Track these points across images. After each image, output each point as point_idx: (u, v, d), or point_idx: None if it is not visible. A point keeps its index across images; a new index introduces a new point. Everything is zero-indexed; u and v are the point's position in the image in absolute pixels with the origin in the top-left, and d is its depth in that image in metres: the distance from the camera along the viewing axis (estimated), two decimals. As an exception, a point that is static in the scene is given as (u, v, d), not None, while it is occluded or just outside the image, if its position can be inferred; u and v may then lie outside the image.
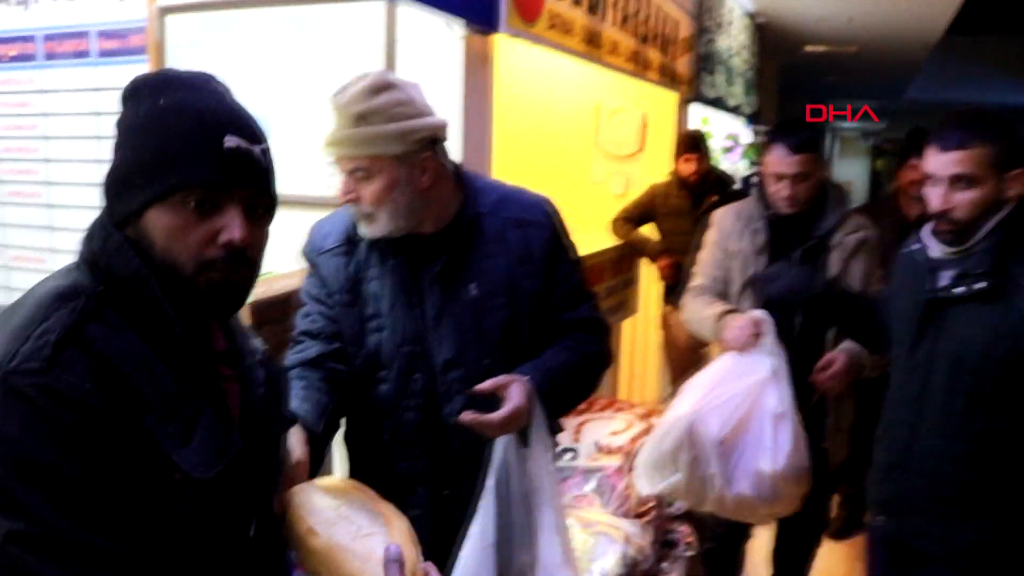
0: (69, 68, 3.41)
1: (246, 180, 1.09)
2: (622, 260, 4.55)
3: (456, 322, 1.66)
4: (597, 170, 5.58)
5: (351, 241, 1.73)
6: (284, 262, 2.30)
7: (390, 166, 1.60)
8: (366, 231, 1.65)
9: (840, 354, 2.50)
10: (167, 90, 1.13)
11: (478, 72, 2.72)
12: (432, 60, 2.71)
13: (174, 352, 1.04)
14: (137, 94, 1.13)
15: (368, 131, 1.57)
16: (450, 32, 2.65)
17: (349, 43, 2.82)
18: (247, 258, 1.08)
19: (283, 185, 2.98)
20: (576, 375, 1.73)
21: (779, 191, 2.63)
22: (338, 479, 1.46)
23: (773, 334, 2.47)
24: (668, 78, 4.86)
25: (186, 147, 1.06)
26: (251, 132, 1.13)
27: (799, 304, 2.55)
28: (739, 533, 3.01)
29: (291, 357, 1.70)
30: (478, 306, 1.67)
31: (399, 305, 1.67)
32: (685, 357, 4.74)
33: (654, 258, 4.60)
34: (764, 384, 2.43)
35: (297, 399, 1.58)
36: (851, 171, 23.88)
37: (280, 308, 1.86)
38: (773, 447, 2.39)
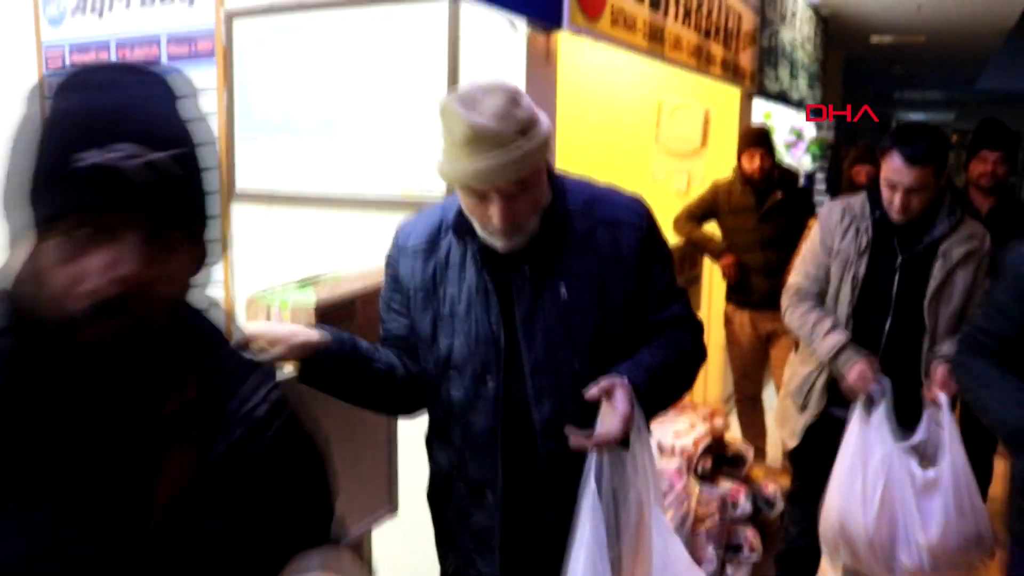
0: (139, 73, 3.48)
1: (120, 203, 0.85)
2: (684, 259, 4.49)
3: (546, 324, 1.63)
4: (659, 167, 5.53)
5: (432, 242, 1.72)
6: (350, 263, 2.33)
7: (540, 174, 1.59)
8: (507, 245, 1.59)
9: (941, 365, 2.51)
10: (57, 95, 0.91)
11: (541, 70, 2.71)
12: (495, 59, 2.70)
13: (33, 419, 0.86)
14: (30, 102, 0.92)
15: (532, 145, 1.50)
16: (513, 30, 2.63)
17: (413, 43, 2.83)
18: (128, 304, 0.86)
19: (347, 186, 3.03)
20: (673, 373, 1.70)
21: (891, 199, 2.59)
22: None
23: (890, 394, 2.51)
24: (731, 73, 4.78)
25: (35, 173, 0.85)
26: (134, 140, 0.86)
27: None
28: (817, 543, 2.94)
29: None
30: (568, 307, 1.64)
31: (477, 308, 1.65)
32: (748, 357, 4.67)
33: (717, 256, 4.53)
34: (892, 458, 2.45)
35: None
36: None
37: (347, 311, 1.86)
38: (922, 518, 2.38)
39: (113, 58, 3.54)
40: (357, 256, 2.96)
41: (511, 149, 1.47)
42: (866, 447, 2.45)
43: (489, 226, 1.57)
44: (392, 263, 1.78)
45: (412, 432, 2.28)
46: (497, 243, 1.60)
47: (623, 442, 1.57)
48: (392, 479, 2.17)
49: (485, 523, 1.74)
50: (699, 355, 1.78)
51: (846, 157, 6.03)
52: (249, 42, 3.16)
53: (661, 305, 1.73)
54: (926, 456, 2.45)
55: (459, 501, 1.78)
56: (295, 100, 3.10)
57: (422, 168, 2.89)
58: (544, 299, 1.64)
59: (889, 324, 2.65)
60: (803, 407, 2.82)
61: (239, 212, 3.30)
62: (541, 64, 2.72)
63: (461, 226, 1.66)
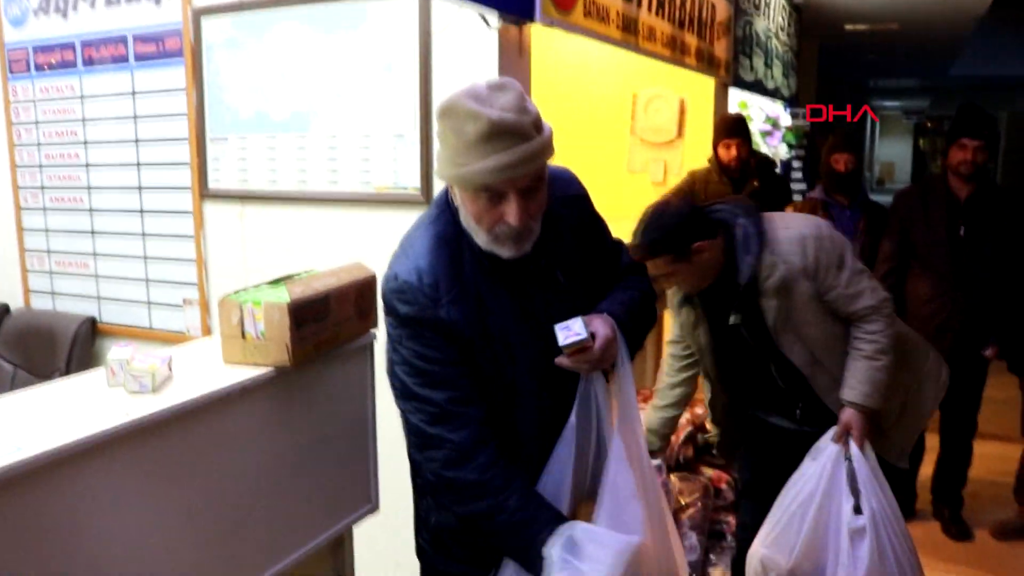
0: (107, 74, 3.44)
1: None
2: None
3: (558, 314, 1.60)
4: (634, 158, 5.52)
5: (460, 279, 1.59)
6: (324, 261, 2.30)
7: (545, 172, 1.57)
8: (516, 251, 1.55)
9: (845, 410, 2.50)
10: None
11: (514, 63, 2.69)
12: (467, 53, 2.68)
13: None
14: None
15: (547, 137, 1.50)
16: (485, 24, 2.61)
17: (384, 38, 2.81)
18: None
19: (320, 184, 3.01)
20: (641, 308, 1.78)
21: None
22: None
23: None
24: (706, 63, 4.77)
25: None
26: None
27: None
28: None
29: (455, 434, 1.58)
30: (569, 293, 1.66)
31: (525, 329, 1.63)
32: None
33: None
34: (834, 488, 2.44)
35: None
36: (893, 151, 23.48)
37: (321, 308, 1.84)
38: (851, 564, 2.36)
39: (78, 58, 3.49)
40: (331, 253, 2.95)
41: (531, 143, 1.46)
42: (817, 468, 2.47)
43: (499, 229, 1.52)
44: (431, 320, 1.57)
45: (391, 430, 2.27)
46: (504, 250, 1.55)
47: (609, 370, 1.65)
48: (373, 476, 2.16)
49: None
50: (654, 293, 1.87)
51: (823, 145, 6.05)
52: (218, 40, 3.12)
53: (615, 256, 1.85)
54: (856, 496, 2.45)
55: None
56: (266, 98, 3.07)
57: (395, 164, 2.86)
58: (551, 291, 1.65)
59: (774, 368, 2.60)
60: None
61: (212, 211, 3.27)
62: (514, 57, 2.71)
63: (478, 249, 1.60)
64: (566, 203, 1.70)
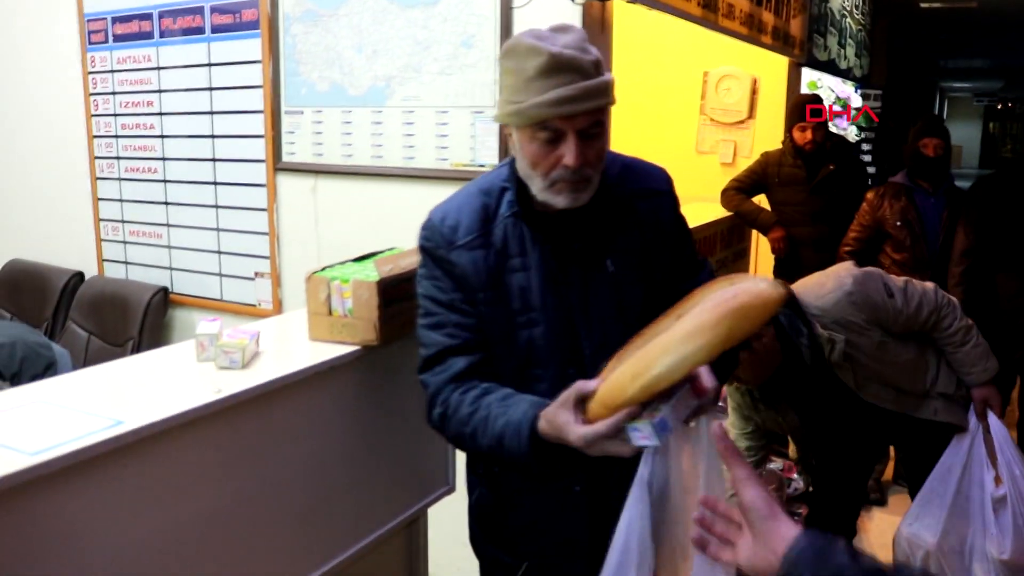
0: (184, 44, 3.45)
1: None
2: (732, 232, 4.40)
3: (599, 302, 1.57)
4: (703, 138, 5.43)
5: (486, 231, 1.56)
6: (399, 237, 2.28)
7: (609, 120, 1.51)
8: (572, 200, 1.49)
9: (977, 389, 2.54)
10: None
11: (597, 38, 2.63)
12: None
13: None
14: None
15: (608, 79, 1.45)
16: (569, -1, 2.56)
17: (463, 13, 2.76)
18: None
19: (397, 159, 2.98)
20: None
21: None
22: None
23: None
24: (781, 42, 4.66)
25: None
26: None
27: None
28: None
29: (434, 377, 1.55)
30: (616, 283, 1.58)
31: (550, 295, 1.56)
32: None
33: (766, 230, 4.43)
34: (974, 462, 2.48)
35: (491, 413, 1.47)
36: (961, 134, 22.86)
37: (408, 286, 1.81)
38: (998, 532, 2.39)
39: (156, 28, 3.51)
40: (405, 230, 2.92)
41: (591, 80, 1.42)
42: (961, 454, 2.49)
43: (556, 174, 1.47)
44: (443, 260, 1.57)
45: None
46: (561, 198, 1.49)
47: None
48: (450, 457, 2.14)
49: (571, 523, 1.64)
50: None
51: (911, 129, 5.90)
52: (296, 11, 3.10)
53: (691, 273, 1.70)
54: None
55: (540, 505, 1.66)
56: (342, 71, 3.05)
57: (473, 141, 2.83)
58: (595, 277, 1.57)
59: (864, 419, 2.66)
60: None
61: (285, 184, 3.27)
62: (597, 33, 2.65)
63: (520, 205, 1.57)
64: (644, 195, 1.63)
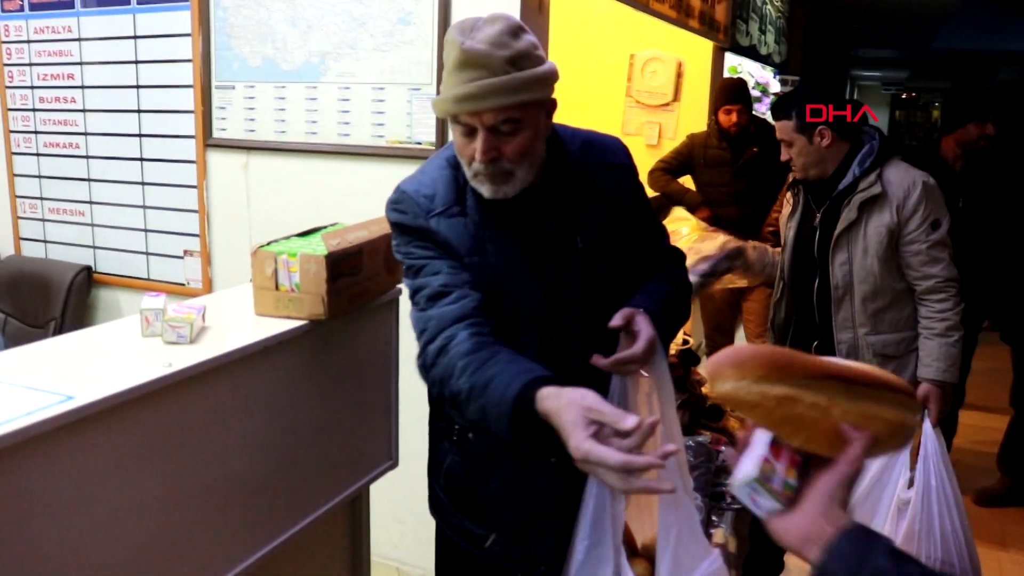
0: (107, 16, 3.34)
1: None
2: (658, 212, 4.48)
3: (572, 277, 1.60)
4: (629, 120, 5.50)
5: (461, 200, 1.58)
6: (330, 213, 2.26)
7: (536, 114, 1.50)
8: (493, 192, 1.52)
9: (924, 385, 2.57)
10: None
11: (534, 20, 2.65)
12: (488, 8, 2.63)
13: None
14: None
15: (523, 76, 1.43)
16: (507, -23, 2.57)
17: (401, -11, 2.75)
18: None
19: (332, 135, 2.95)
20: (677, 302, 1.71)
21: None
22: None
23: None
24: (707, 26, 4.75)
25: None
26: None
27: None
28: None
29: (439, 309, 1.51)
30: (586, 259, 1.61)
31: (526, 266, 1.58)
32: (721, 311, 4.71)
33: (692, 210, 4.52)
34: (892, 462, 2.47)
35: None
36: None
37: (355, 260, 1.82)
38: (893, 533, 2.39)
39: (76, 1, 3.39)
40: (340, 206, 2.91)
41: (497, 78, 1.42)
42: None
43: (474, 166, 1.50)
44: (423, 228, 1.56)
45: (412, 387, 2.25)
46: (483, 188, 1.52)
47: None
48: (394, 432, 2.15)
49: (544, 497, 1.67)
50: (690, 286, 1.82)
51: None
52: (227, -16, 3.04)
53: (655, 240, 1.77)
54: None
55: (512, 476, 1.68)
56: (276, 46, 3.00)
57: (410, 119, 2.82)
58: (566, 254, 1.60)
59: (817, 283, 2.70)
60: None
61: (216, 161, 3.21)
62: (535, 15, 2.67)
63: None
64: (604, 169, 1.66)
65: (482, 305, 1.52)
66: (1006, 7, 10.75)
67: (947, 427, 4.11)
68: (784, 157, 2.68)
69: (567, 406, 1.25)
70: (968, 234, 3.80)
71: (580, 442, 1.20)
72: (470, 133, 1.48)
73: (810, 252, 2.70)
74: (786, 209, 2.90)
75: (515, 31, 1.45)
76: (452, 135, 1.55)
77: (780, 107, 2.67)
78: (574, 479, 1.54)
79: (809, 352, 2.74)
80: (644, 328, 1.53)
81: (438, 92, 2.68)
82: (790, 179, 3.98)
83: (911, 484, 2.43)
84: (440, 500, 1.82)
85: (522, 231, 1.58)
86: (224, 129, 3.16)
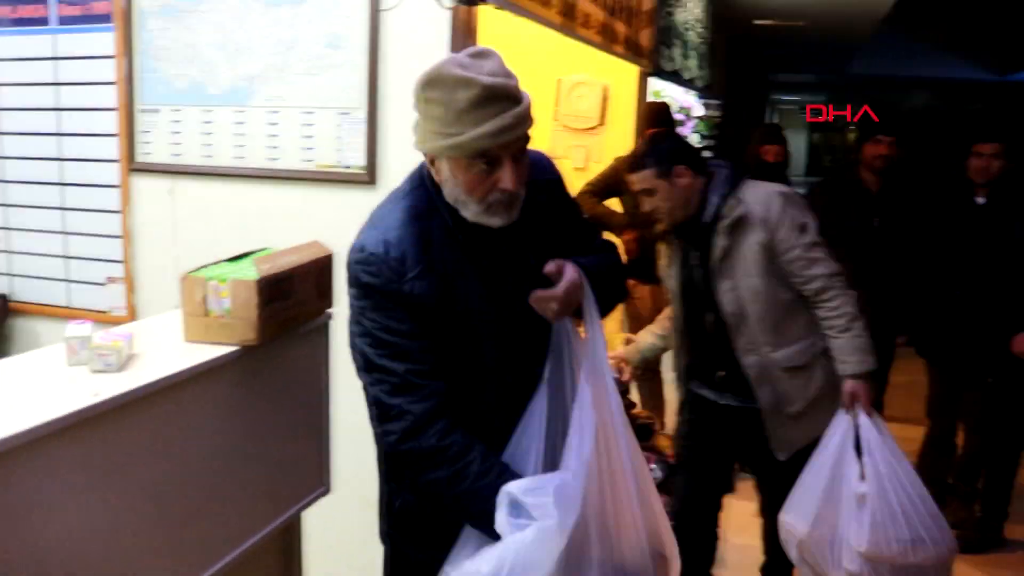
0: (24, 36, 3.26)
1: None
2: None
3: (527, 292, 1.61)
4: (557, 144, 5.56)
5: (429, 254, 1.58)
6: (259, 238, 2.24)
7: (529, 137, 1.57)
8: (505, 220, 1.55)
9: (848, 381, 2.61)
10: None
11: (464, 44, 2.67)
12: (418, 32, 2.66)
13: None
14: None
15: (528, 103, 1.50)
16: (437, 3, 2.59)
17: (330, 14, 2.75)
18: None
19: (260, 160, 2.92)
20: (608, 273, 1.76)
21: None
22: None
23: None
24: (632, 51, 4.85)
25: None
26: None
27: None
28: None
29: (416, 405, 1.55)
30: (537, 274, 1.63)
31: (490, 307, 1.62)
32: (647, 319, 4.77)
33: (619, 232, 4.59)
34: (844, 456, 2.55)
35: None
36: (791, 145, 24.22)
37: (286, 286, 1.81)
38: (858, 526, 2.48)
39: (-7, 20, 3.31)
40: (269, 232, 2.87)
41: (521, 105, 1.48)
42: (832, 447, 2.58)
43: (492, 197, 1.52)
44: (396, 292, 1.55)
45: (343, 412, 2.24)
46: (496, 218, 1.55)
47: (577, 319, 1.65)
48: (326, 458, 2.13)
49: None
50: (625, 270, 1.89)
51: (751, 135, 6.18)
52: (153, 5, 3.00)
53: (588, 238, 1.84)
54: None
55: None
56: (202, 69, 2.97)
57: (339, 143, 2.82)
58: (522, 272, 1.63)
59: (710, 317, 2.72)
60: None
61: (140, 185, 3.15)
62: (462, 38, 2.68)
63: (455, 222, 1.60)
64: (543, 188, 1.71)
65: (448, 390, 1.58)
66: (915, 37, 11.21)
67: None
68: (647, 208, 2.70)
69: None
70: (882, 252, 3.96)
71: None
72: (492, 164, 1.50)
73: (696, 292, 2.74)
74: (663, 261, 2.93)
75: (503, 60, 1.51)
76: (451, 176, 1.54)
77: (636, 163, 2.70)
78: None
79: (713, 382, 2.76)
80: (569, 273, 1.58)
81: (371, 116, 2.72)
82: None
83: (863, 476, 2.51)
84: (392, 534, 1.85)
85: (485, 261, 1.62)
86: (148, 153, 3.10)
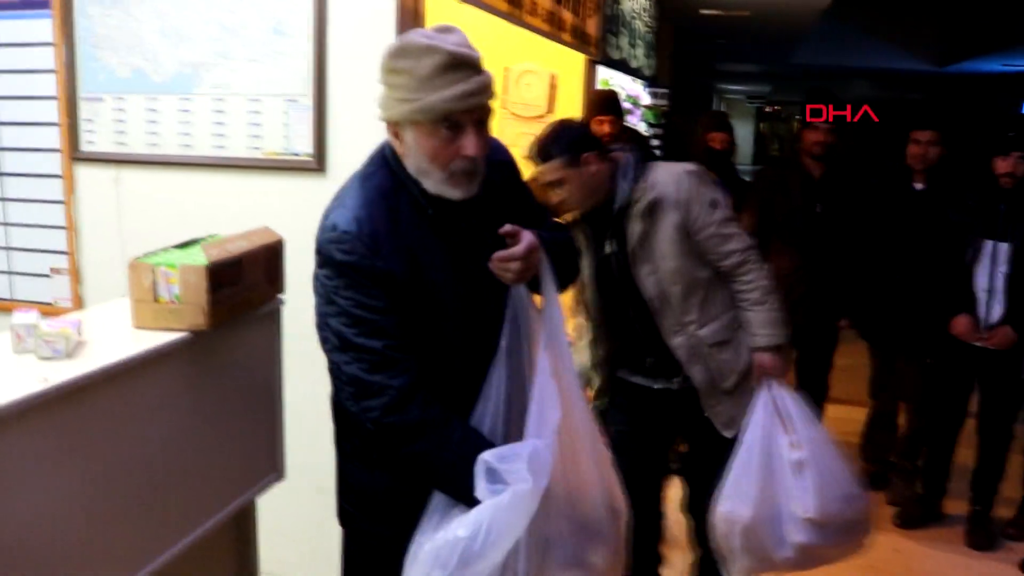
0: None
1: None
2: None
3: (488, 273, 1.65)
4: (505, 132, 5.58)
5: (397, 230, 1.61)
6: (207, 227, 2.23)
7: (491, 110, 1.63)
8: (466, 192, 1.60)
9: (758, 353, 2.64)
10: None
11: (409, 29, 2.68)
12: (364, 19, 2.66)
13: None
14: None
15: (490, 74, 1.57)
16: (383, -11, 2.60)
17: (275, 0, 2.74)
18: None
19: (207, 148, 2.89)
20: (564, 247, 1.83)
21: None
22: None
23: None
24: (579, 40, 4.88)
25: None
26: None
27: None
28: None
29: (395, 379, 1.58)
30: (495, 249, 1.66)
31: (457, 283, 1.66)
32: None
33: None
34: (773, 431, 2.56)
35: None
36: (737, 133, 24.54)
37: (235, 271, 1.81)
38: (801, 494, 2.49)
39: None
40: (216, 220, 2.85)
41: (485, 74, 1.55)
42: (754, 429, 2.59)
43: (455, 165, 1.57)
44: (371, 269, 1.57)
45: (296, 398, 2.25)
46: (457, 190, 1.59)
47: (534, 288, 1.70)
48: (279, 444, 2.14)
49: None
50: (575, 247, 1.94)
51: (680, 123, 6.25)
52: (93, -8, 2.95)
53: (540, 219, 1.88)
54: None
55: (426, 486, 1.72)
56: (145, 57, 2.94)
57: (287, 129, 2.81)
58: (484, 248, 1.66)
59: (631, 305, 2.69)
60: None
61: (85, 175, 3.11)
62: (409, 24, 2.69)
63: (420, 198, 1.64)
64: (497, 168, 1.75)
65: (423, 363, 1.62)
66: (857, 28, 11.43)
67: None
68: (556, 200, 2.59)
69: None
70: (825, 237, 4.05)
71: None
72: (455, 131, 1.55)
73: (613, 281, 2.71)
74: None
75: (466, 37, 1.58)
76: (416, 145, 1.58)
77: (541, 153, 2.56)
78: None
79: (644, 369, 2.73)
80: (526, 237, 1.63)
81: (318, 103, 2.72)
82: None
83: (795, 447, 2.53)
84: (352, 514, 1.86)
85: (450, 238, 1.66)
86: (92, 143, 3.06)
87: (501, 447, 1.58)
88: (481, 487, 1.53)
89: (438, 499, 1.65)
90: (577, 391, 1.74)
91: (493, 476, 1.54)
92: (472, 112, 1.54)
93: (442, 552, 1.54)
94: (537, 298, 1.73)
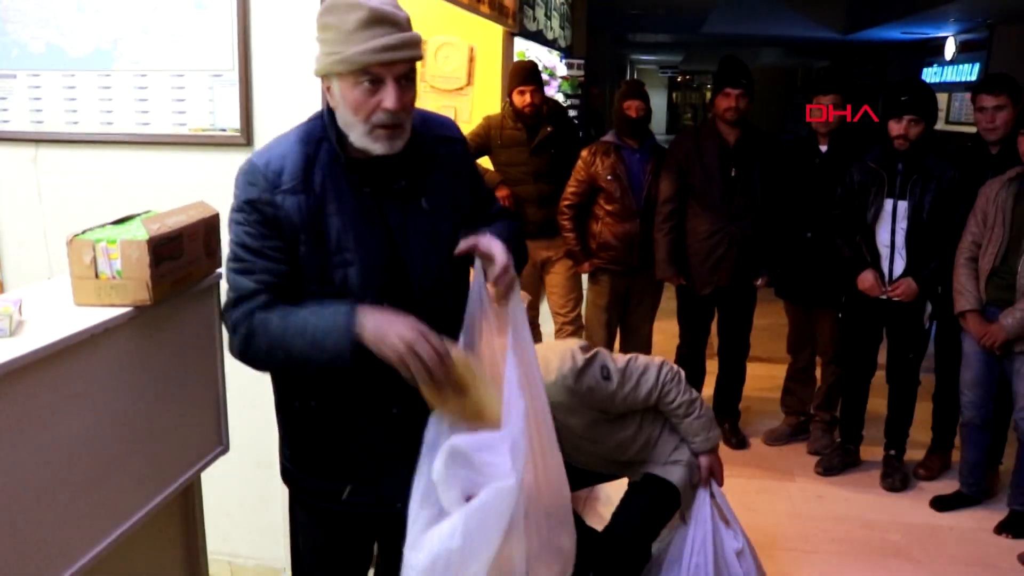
0: None
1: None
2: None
3: (418, 235, 1.74)
4: (425, 105, 5.56)
5: (308, 176, 1.69)
6: (133, 206, 2.22)
7: (416, 70, 1.68)
8: (388, 146, 1.65)
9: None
10: None
11: (335, 3, 2.69)
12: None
13: None
14: None
15: (416, 34, 1.62)
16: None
17: (197, -27, 2.71)
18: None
19: (130, 125, 2.85)
20: (516, 240, 1.89)
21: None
22: None
23: None
24: (497, 12, 4.92)
25: None
26: None
27: None
28: None
29: (238, 311, 1.69)
30: (431, 218, 1.76)
31: (366, 235, 1.70)
32: (525, 284, 4.89)
33: (492, 190, 4.68)
34: (717, 526, 2.77)
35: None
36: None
37: (176, 245, 1.81)
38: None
39: None
40: (143, 198, 2.82)
41: (407, 32, 1.60)
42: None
43: (376, 117, 1.62)
44: (266, 203, 1.67)
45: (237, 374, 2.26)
46: (379, 144, 1.64)
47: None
48: (223, 417, 2.15)
49: (390, 443, 1.78)
50: (523, 234, 2.00)
51: (595, 93, 6.32)
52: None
53: (487, 203, 1.97)
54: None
55: (357, 432, 1.80)
56: (60, 31, 2.87)
57: (212, 105, 2.79)
58: (412, 213, 1.75)
59: None
60: None
61: (0, 155, 3.03)
62: (334, -3, 2.70)
63: (340, 152, 1.71)
64: (442, 142, 1.83)
65: (283, 300, 1.70)
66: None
67: (737, 377, 4.52)
68: None
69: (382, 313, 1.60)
70: (739, 200, 4.19)
71: (402, 321, 1.57)
72: (375, 85, 1.60)
73: None
74: None
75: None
76: (341, 97, 1.64)
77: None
78: (417, 424, 1.68)
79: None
80: (496, 247, 1.69)
81: (243, 77, 2.71)
82: (584, 154, 4.21)
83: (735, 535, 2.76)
84: (290, 470, 1.93)
85: (367, 197, 1.71)
86: (7, 121, 2.98)
87: (472, 435, 1.62)
88: (440, 469, 1.58)
89: (419, 508, 1.66)
90: (539, 379, 1.81)
91: (459, 460, 1.58)
92: (392, 66, 1.60)
93: (438, 563, 1.58)
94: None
